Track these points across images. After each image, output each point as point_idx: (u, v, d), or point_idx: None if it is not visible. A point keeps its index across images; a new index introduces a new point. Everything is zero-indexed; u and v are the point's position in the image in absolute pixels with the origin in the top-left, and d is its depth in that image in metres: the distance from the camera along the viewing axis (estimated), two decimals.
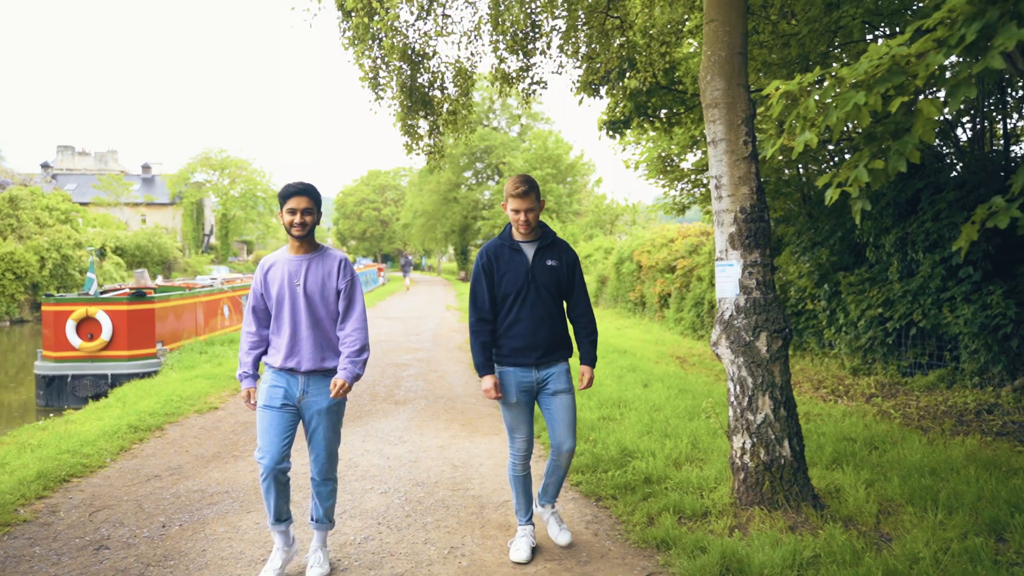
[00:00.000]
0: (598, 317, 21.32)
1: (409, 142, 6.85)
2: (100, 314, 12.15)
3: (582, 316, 4.40)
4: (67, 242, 31.31)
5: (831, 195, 3.15)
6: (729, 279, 4.92)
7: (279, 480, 3.98)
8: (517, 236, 4.30)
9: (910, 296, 10.50)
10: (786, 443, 4.84)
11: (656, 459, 5.91)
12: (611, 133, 8.81)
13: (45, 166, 71.76)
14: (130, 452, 6.72)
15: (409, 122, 6.69)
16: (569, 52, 6.90)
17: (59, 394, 12.02)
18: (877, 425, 7.52)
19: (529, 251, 4.27)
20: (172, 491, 5.60)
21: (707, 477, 5.44)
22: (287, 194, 4.01)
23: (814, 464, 5.85)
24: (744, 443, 4.90)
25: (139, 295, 12.67)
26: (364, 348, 4.09)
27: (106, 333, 12.15)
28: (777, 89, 3.11)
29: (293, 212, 3.99)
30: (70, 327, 12.07)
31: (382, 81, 6.38)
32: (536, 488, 4.76)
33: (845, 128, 9.62)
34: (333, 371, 4.07)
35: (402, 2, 5.74)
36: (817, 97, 2.87)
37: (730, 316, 4.93)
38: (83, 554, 4.37)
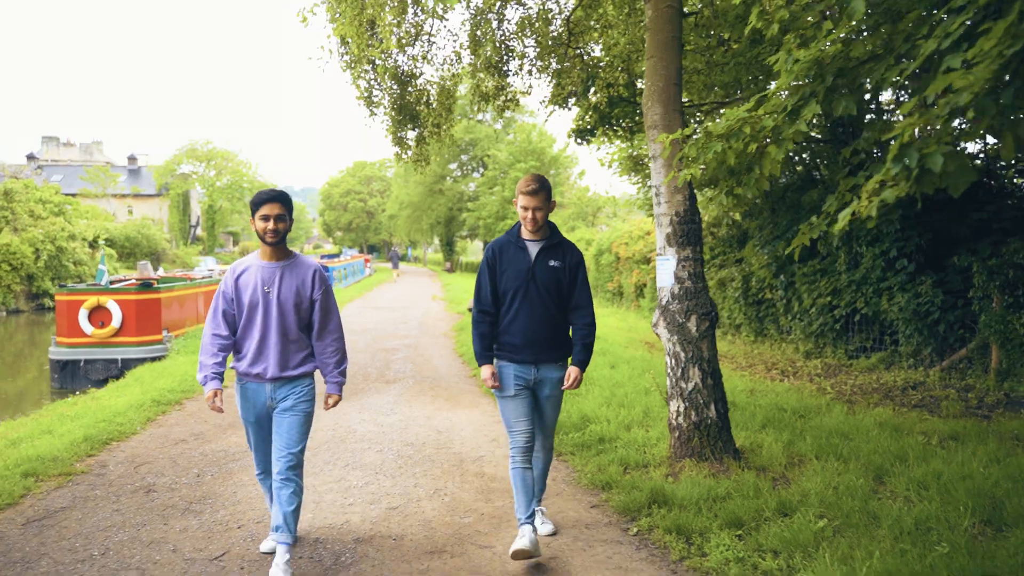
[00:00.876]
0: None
1: (399, 151, 7.85)
2: (110, 303, 13.08)
3: (581, 318, 4.44)
4: (61, 234, 32.04)
5: (720, 206, 4.16)
6: (666, 271, 5.95)
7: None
8: (525, 234, 4.38)
9: (854, 286, 11.61)
10: (712, 407, 5.88)
11: (611, 424, 6.96)
12: (579, 141, 9.84)
13: (31, 157, 71.91)
14: (156, 422, 7.71)
15: (399, 134, 7.68)
16: (537, 74, 7.91)
17: (73, 377, 12.95)
18: (810, 399, 8.58)
19: (533, 250, 4.34)
20: (199, 451, 6.59)
21: (651, 437, 6.49)
22: (259, 201, 4.02)
23: (746, 428, 6.89)
24: (679, 407, 5.94)
25: (146, 286, 13.60)
26: (344, 358, 4.25)
27: (116, 321, 13.08)
28: (666, 137, 4.10)
29: (266, 219, 4.00)
30: (83, 315, 13.00)
31: (375, 99, 7.35)
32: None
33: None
34: (299, 377, 4.11)
35: (392, 34, 6.67)
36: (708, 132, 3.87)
37: (667, 302, 5.97)
38: (136, 495, 5.37)
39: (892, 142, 2.55)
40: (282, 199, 4.03)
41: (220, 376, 4.04)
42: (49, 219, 32.93)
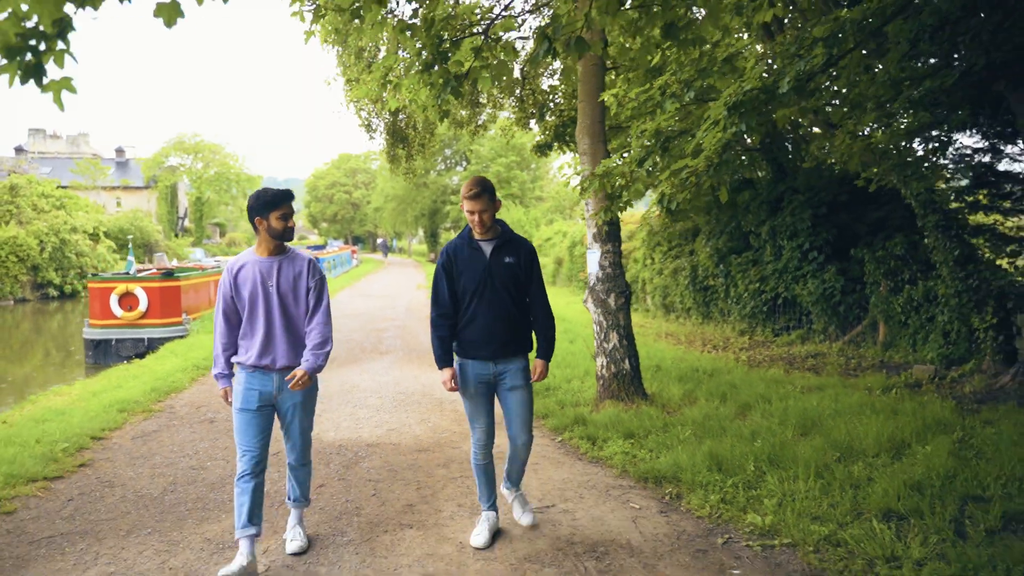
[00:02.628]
0: (554, 295, 24.36)
1: (392, 167, 9.81)
2: (138, 290, 15.04)
3: (540, 312, 4.50)
4: (64, 227, 33.75)
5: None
6: (593, 261, 8.00)
7: (258, 480, 4.12)
8: (476, 235, 4.41)
9: (777, 274, 13.71)
10: (627, 361, 7.94)
11: (556, 379, 9.03)
12: (539, 154, 11.80)
13: (19, 150, 72.76)
14: (198, 381, 9.71)
15: (391, 152, 9.64)
16: (502, 102, 9.92)
17: (105, 354, 14.89)
18: (724, 363, 10.67)
19: (488, 248, 4.37)
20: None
21: (585, 387, 8.56)
22: (277, 201, 4.10)
23: (661, 381, 8.94)
24: (602, 362, 8.00)
25: (168, 274, 15.58)
26: (327, 341, 4.23)
27: (143, 305, 15.03)
28: (580, 170, 6.09)
29: (286, 218, 4.12)
30: (113, 300, 14.95)
31: (373, 126, 9.33)
32: (500, 476, 4.90)
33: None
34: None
35: (394, 96, 8.63)
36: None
37: (593, 283, 8.02)
38: (203, 424, 7.38)
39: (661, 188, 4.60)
40: (293, 197, 4.20)
41: (230, 375, 4.24)
42: (52, 212, 34.62)
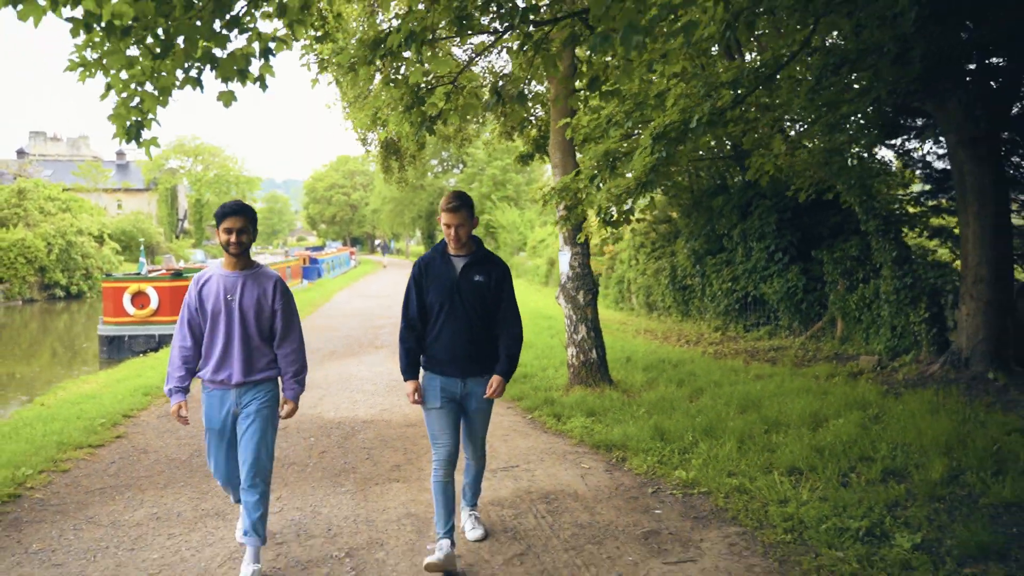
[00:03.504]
0: (546, 295, 25.33)
1: (386, 177, 10.78)
2: (149, 289, 16.03)
3: (507, 330, 4.43)
4: (70, 229, 34.72)
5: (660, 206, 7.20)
6: (564, 261, 8.99)
7: (237, 486, 4.25)
8: (450, 249, 4.37)
9: (748, 274, 14.71)
10: (594, 351, 8.92)
11: (534, 368, 10.02)
12: (521, 163, 12.79)
13: (21, 153, 73.63)
14: None
15: (385, 163, 10.61)
16: (485, 118, 10.90)
17: (119, 349, 15.89)
18: (690, 355, 11.66)
19: (459, 264, 4.33)
20: (318, 368, 9.60)
21: (558, 375, 9.55)
22: (223, 214, 4.07)
23: (628, 370, 9.92)
24: (572, 351, 8.99)
25: (177, 274, 16.57)
26: (303, 368, 4.30)
27: (154, 303, 16.03)
28: (549, 184, 7.02)
29: (229, 232, 4.05)
30: (126, 299, 15.94)
31: (368, 140, 10.31)
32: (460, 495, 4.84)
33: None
34: (262, 382, 4.18)
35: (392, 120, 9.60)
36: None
37: (564, 281, 9.01)
38: None
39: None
40: (245, 212, 4.10)
41: (185, 389, 4.17)
42: (58, 215, 35.61)
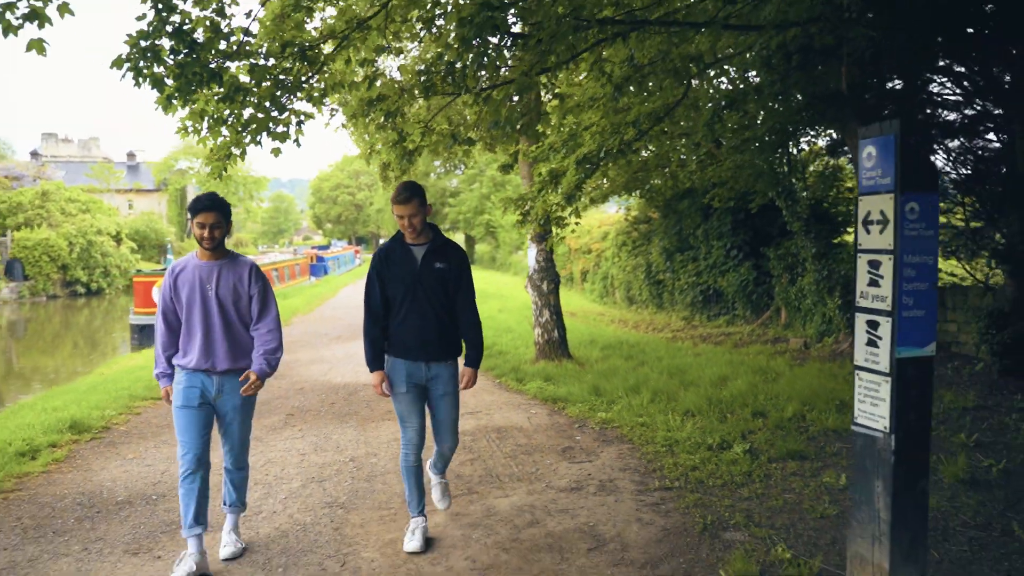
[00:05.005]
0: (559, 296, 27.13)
1: (384, 186, 12.58)
2: None
3: (467, 318, 4.53)
4: (90, 229, 36.66)
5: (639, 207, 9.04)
6: (532, 256, 10.83)
7: (203, 477, 4.20)
8: (408, 239, 4.44)
9: (709, 269, 16.51)
10: (556, 331, 10.76)
11: (508, 347, 11.85)
12: (503, 172, 14.59)
13: (34, 154, 75.51)
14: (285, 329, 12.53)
15: (383, 173, 12.43)
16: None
17: (148, 337, 17.77)
18: (648, 338, 13.48)
19: (419, 253, 4.40)
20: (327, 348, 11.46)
21: (528, 351, 11.38)
22: (196, 209, 4.09)
23: (588, 349, 11.73)
24: (537, 331, 10.82)
25: None
26: (278, 348, 4.30)
27: None
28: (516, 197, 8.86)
29: (202, 227, 4.09)
30: (155, 292, 17.81)
31: (373, 149, 12.11)
32: (428, 477, 4.92)
33: None
34: (245, 368, 4.24)
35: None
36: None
37: (531, 272, 10.86)
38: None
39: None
40: (218, 207, 4.13)
41: (170, 375, 4.27)
42: (78, 216, 37.55)
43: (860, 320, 2.97)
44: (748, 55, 6.52)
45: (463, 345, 4.63)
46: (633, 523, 4.73)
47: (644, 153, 11.38)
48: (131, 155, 79.48)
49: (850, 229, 13.36)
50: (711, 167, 10.72)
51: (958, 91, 10.54)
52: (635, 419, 7.24)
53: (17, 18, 3.83)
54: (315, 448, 6.64)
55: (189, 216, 4.21)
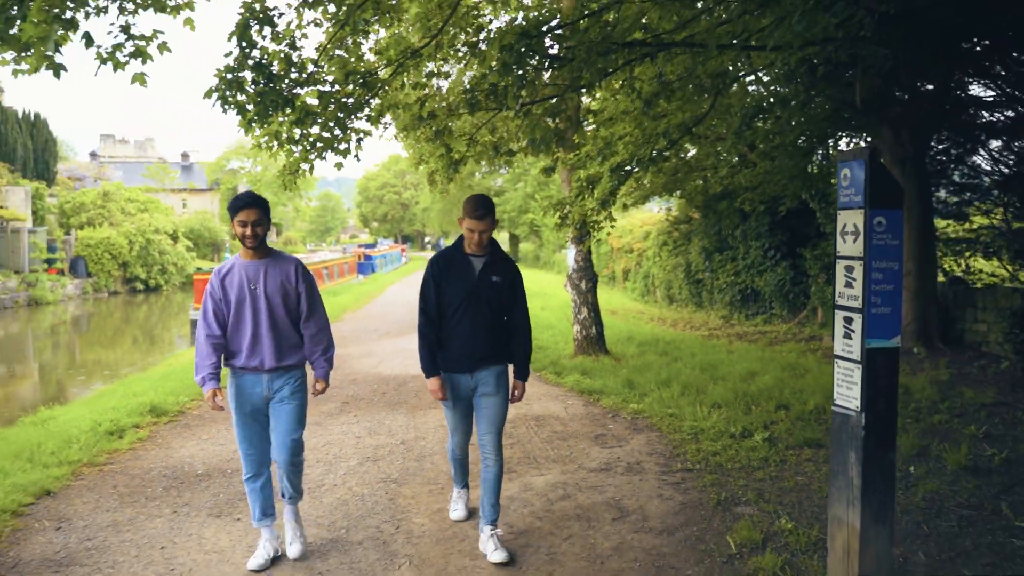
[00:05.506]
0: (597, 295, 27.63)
1: (431, 188, 13.25)
2: None
3: (519, 332, 4.59)
4: (148, 228, 38.12)
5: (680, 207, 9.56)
6: (571, 257, 11.36)
7: (267, 476, 4.38)
8: (468, 250, 4.49)
9: (747, 269, 16.86)
10: (593, 328, 11.28)
11: (548, 343, 12.41)
12: (545, 175, 15.14)
13: (93, 155, 78.16)
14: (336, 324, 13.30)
15: (431, 177, 13.07)
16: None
17: None
18: (684, 336, 13.92)
19: (477, 265, 4.47)
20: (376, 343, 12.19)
21: (568, 347, 11.91)
22: (236, 207, 4.12)
23: (625, 345, 12.22)
24: (576, 328, 11.35)
25: None
26: (330, 346, 4.41)
27: None
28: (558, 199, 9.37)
29: (244, 224, 4.11)
30: None
31: (423, 159, 12.73)
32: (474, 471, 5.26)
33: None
34: (293, 367, 4.32)
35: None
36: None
37: (571, 272, 11.39)
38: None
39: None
40: (258, 204, 4.16)
41: (216, 376, 4.20)
42: (137, 215, 39.06)
43: (839, 316, 3.47)
44: (773, 71, 6.97)
45: (511, 352, 4.66)
46: (655, 498, 5.26)
47: (682, 155, 11.86)
48: (185, 155, 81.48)
49: None
50: (743, 171, 11.14)
51: (996, 93, 10.82)
52: (665, 410, 7.74)
53: (124, 56, 4.53)
54: (369, 432, 7.28)
55: (229, 215, 4.21)
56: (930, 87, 10.67)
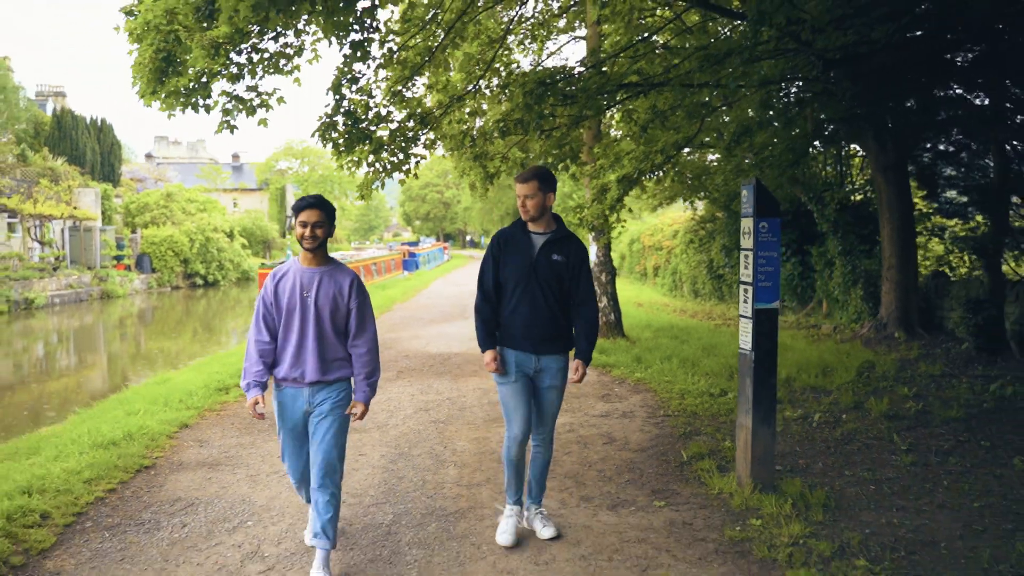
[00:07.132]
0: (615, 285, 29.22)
1: (472, 193, 15.07)
2: None
3: (583, 313, 4.48)
4: (207, 227, 40.62)
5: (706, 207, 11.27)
6: (593, 252, 13.05)
7: (309, 485, 4.38)
8: (531, 226, 4.41)
9: None
10: (612, 314, 12.95)
11: None
12: (573, 181, 16.87)
13: (148, 156, 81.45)
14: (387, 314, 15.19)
15: (472, 184, 14.85)
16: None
17: None
18: (698, 323, 15.52)
19: (538, 242, 4.38)
20: (423, 328, 14.07)
21: None
22: (300, 207, 4.06)
23: (642, 330, 13.85)
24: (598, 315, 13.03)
25: None
26: (375, 371, 4.24)
27: None
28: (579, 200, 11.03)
29: (304, 225, 4.05)
30: None
31: (464, 172, 14.49)
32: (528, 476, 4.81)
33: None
34: (336, 382, 4.19)
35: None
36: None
37: (592, 265, 13.07)
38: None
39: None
40: (322, 206, 4.08)
41: (262, 384, 4.11)
42: (197, 215, 41.61)
43: (741, 289, 5.14)
44: (748, 102, 8.59)
45: (572, 338, 4.56)
46: (637, 432, 6.98)
47: (699, 160, 13.41)
48: (235, 156, 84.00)
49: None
50: (738, 178, 12.73)
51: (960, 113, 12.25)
52: (663, 378, 9.41)
53: (252, 106, 6.37)
54: (421, 391, 9.08)
55: (292, 215, 4.55)
56: (909, 104, 12.15)
